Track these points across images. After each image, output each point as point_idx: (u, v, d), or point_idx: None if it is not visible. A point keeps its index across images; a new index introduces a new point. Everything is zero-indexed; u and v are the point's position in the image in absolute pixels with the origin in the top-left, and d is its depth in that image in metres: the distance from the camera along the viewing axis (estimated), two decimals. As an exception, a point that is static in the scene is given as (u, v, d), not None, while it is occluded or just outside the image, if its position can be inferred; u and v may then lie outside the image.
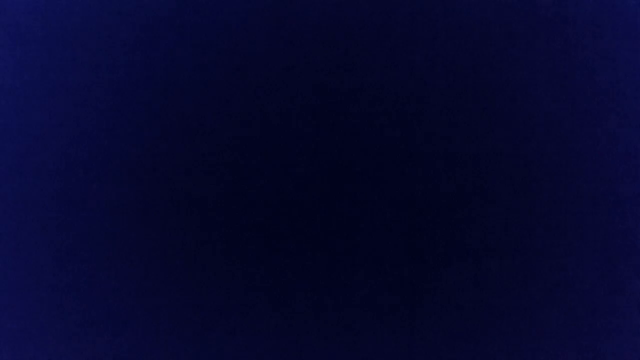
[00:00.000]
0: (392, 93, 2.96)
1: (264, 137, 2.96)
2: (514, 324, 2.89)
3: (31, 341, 2.94)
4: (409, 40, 2.97)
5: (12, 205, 2.96)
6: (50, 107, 2.99)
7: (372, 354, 2.90)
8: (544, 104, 2.95)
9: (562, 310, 2.88)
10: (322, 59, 2.98)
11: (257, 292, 2.92)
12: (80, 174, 2.96)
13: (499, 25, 2.97)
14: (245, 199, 2.95)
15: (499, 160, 2.93)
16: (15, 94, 3.00)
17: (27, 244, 2.95)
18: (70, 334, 2.93)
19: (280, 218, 2.94)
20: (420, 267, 2.91)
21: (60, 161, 2.97)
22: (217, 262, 2.93)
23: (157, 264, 2.93)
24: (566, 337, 2.88)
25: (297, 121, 2.96)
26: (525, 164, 2.92)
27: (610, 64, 2.95)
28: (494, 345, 2.88)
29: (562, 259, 2.90)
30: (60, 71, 3.00)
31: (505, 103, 2.95)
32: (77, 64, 3.00)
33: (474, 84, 2.95)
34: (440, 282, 2.90)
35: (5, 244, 2.96)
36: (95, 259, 2.94)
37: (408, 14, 2.98)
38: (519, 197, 2.91)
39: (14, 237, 2.96)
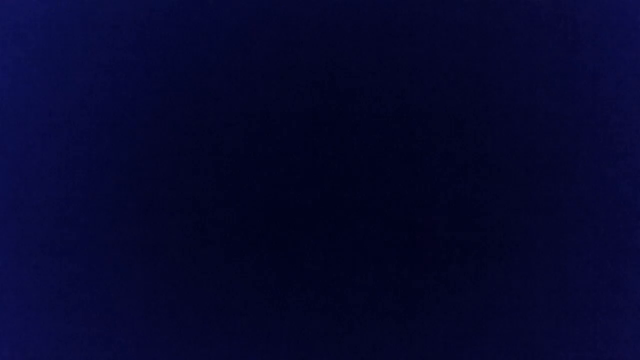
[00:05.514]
0: (392, 93, 2.96)
1: (264, 137, 2.96)
2: (514, 324, 2.89)
3: (31, 341, 2.94)
4: (408, 40, 2.98)
5: (12, 205, 2.96)
6: (50, 107, 2.99)
7: (372, 354, 2.90)
8: (544, 104, 2.95)
9: (562, 310, 2.89)
10: (322, 59, 2.98)
11: (257, 292, 2.92)
12: (80, 174, 2.96)
13: (499, 25, 2.97)
14: (246, 198, 2.95)
15: (499, 160, 2.93)
16: (15, 94, 3.00)
17: (27, 244, 2.95)
18: (70, 334, 2.93)
19: (279, 218, 2.94)
20: (420, 267, 2.91)
21: (60, 161, 2.97)
22: (217, 262, 2.93)
23: (157, 264, 2.93)
24: (566, 337, 2.88)
25: (297, 121, 2.96)
26: (525, 164, 2.92)
27: (611, 64, 2.96)
28: (494, 345, 2.89)
29: (562, 259, 2.90)
30: (60, 71, 3.00)
31: (505, 103, 2.95)
32: (77, 64, 3.00)
33: (474, 84, 2.95)
34: (440, 282, 2.90)
35: (5, 244, 2.96)
36: (96, 259, 2.94)
37: (408, 13, 2.98)
38: (519, 197, 2.91)
39: (14, 237, 2.96)
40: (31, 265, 2.95)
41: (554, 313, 2.89)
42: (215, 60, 2.99)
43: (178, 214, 2.95)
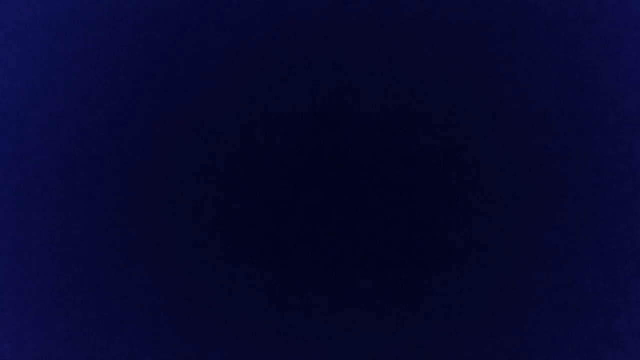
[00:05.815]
0: (392, 93, 2.96)
1: (264, 136, 2.96)
2: (514, 324, 2.89)
3: (31, 341, 2.94)
4: (409, 40, 2.97)
5: (12, 205, 2.96)
6: (50, 107, 2.99)
7: (372, 354, 2.90)
8: (544, 104, 2.95)
9: (562, 310, 2.88)
10: (322, 58, 2.98)
11: (257, 293, 2.92)
12: (80, 174, 2.97)
13: (499, 25, 2.97)
14: (246, 198, 2.95)
15: (499, 160, 2.93)
16: (15, 94, 3.01)
17: (27, 244, 2.95)
18: (70, 334, 2.93)
19: (279, 218, 2.94)
20: (420, 268, 2.91)
21: (60, 161, 2.97)
22: (217, 262, 2.93)
23: (157, 264, 2.93)
24: (566, 338, 2.88)
25: (297, 121, 2.96)
26: (525, 164, 2.92)
27: (611, 64, 2.95)
28: (494, 345, 2.88)
29: (562, 259, 2.90)
30: (60, 71, 3.00)
31: (505, 103, 2.95)
32: (77, 64, 3.01)
33: (474, 84, 2.95)
34: (440, 282, 2.90)
35: (5, 244, 2.96)
36: (96, 259, 2.94)
37: (408, 13, 2.98)
38: (519, 197, 2.91)
39: (14, 237, 2.96)
40: (31, 265, 2.95)
41: (554, 313, 2.89)
42: (215, 59, 2.99)
43: (178, 214, 2.95)
